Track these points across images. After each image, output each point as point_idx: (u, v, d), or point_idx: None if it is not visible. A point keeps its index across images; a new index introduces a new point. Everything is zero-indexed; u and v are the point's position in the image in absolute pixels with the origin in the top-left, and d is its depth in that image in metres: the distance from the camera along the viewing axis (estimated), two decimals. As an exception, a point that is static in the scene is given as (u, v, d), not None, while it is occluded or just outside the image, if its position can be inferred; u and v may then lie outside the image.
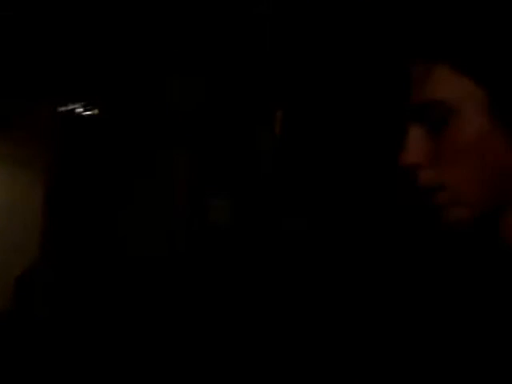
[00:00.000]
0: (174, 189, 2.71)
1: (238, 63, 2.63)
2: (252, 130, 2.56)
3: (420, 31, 0.79)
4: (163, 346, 2.47)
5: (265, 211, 2.52)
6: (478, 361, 0.77)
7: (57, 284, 2.66)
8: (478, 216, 0.77)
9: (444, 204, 0.78)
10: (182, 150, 2.68)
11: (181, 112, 2.69)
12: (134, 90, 2.77)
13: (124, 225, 2.73)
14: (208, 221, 2.63)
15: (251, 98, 2.59)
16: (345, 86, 2.36)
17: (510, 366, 0.73)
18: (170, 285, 2.59)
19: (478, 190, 0.76)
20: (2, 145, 2.71)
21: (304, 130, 2.48)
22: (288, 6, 2.49)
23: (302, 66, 2.49)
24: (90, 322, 2.61)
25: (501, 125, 0.75)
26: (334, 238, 2.30)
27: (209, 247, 2.60)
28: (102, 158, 2.79)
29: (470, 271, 0.94)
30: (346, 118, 2.38)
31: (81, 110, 2.83)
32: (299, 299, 2.32)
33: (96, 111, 2.81)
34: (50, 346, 2.58)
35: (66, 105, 2.81)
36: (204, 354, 2.43)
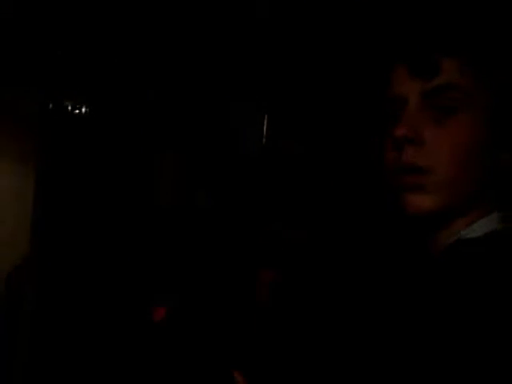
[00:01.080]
0: (161, 190, 2.83)
1: (223, 63, 2.75)
2: (239, 132, 2.71)
3: (448, 31, 0.81)
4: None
5: (251, 215, 2.73)
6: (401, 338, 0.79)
7: (47, 280, 2.66)
8: (436, 211, 0.79)
9: (415, 186, 0.79)
10: (169, 151, 2.80)
11: (168, 114, 2.79)
12: (124, 90, 2.83)
13: (111, 222, 2.80)
14: (192, 212, 2.78)
15: (238, 100, 2.72)
16: (333, 88, 2.51)
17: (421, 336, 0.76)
18: (159, 285, 2.71)
19: (454, 183, 0.78)
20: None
21: (291, 132, 2.63)
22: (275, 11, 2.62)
23: (290, 67, 2.63)
24: (79, 320, 2.65)
25: (499, 133, 0.77)
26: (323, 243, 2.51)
27: (195, 250, 2.75)
28: (90, 156, 2.82)
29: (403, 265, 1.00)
30: (333, 120, 2.51)
31: (71, 107, 2.84)
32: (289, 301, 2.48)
33: (86, 109, 2.84)
34: (41, 343, 2.60)
35: (56, 102, 2.81)
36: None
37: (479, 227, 0.79)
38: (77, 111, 2.83)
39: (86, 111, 2.84)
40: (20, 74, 2.69)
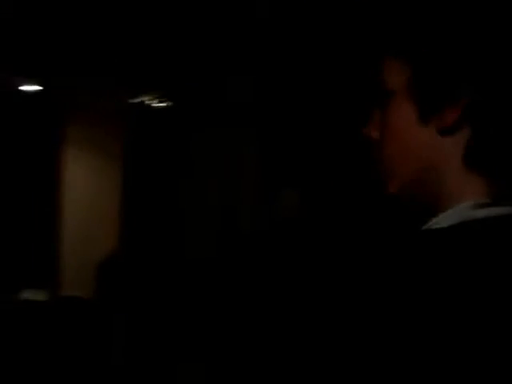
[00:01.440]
0: (242, 180, 2.87)
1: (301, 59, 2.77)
2: (323, 122, 2.73)
3: (378, 32, 0.91)
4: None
5: (334, 205, 2.76)
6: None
7: (135, 270, 2.74)
8: (398, 192, 0.84)
9: (382, 177, 0.86)
10: (252, 141, 2.84)
11: (248, 103, 2.83)
12: (203, 84, 2.88)
13: (192, 213, 2.86)
14: (275, 212, 2.82)
15: (322, 89, 2.74)
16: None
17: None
18: (237, 276, 2.76)
19: (396, 166, 0.83)
20: (79, 130, 2.72)
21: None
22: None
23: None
24: (166, 306, 2.73)
25: (425, 115, 0.80)
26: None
27: (275, 239, 2.78)
28: (170, 148, 2.89)
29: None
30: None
31: (152, 101, 2.91)
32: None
33: (168, 103, 2.91)
34: (131, 330, 2.67)
35: (137, 96, 2.88)
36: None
37: (444, 218, 0.79)
38: (159, 106, 2.89)
39: (166, 106, 2.90)
40: (102, 72, 2.77)
